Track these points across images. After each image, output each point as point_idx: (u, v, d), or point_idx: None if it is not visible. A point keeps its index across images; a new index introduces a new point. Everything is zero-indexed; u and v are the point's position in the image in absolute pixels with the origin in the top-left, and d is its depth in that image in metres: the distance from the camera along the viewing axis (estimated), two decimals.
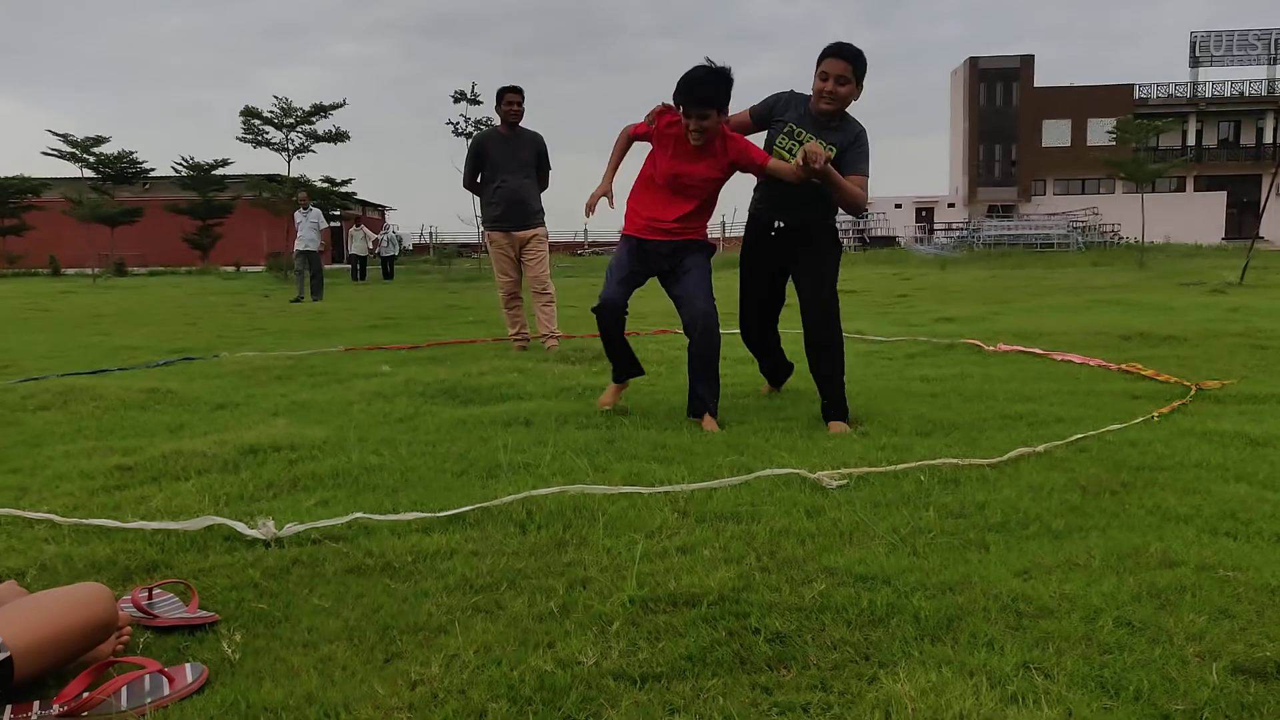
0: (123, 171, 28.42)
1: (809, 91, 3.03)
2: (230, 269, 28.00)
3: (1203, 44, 40.24)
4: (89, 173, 27.78)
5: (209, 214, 30.39)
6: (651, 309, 9.23)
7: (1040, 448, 2.49)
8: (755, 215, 3.28)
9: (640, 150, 3.22)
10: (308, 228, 12.83)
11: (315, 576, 1.68)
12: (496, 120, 5.44)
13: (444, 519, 1.96)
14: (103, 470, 2.47)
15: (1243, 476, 2.24)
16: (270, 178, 27.54)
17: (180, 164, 29.78)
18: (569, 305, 9.87)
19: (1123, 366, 4.10)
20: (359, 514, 1.96)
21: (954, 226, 34.63)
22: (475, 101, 20.90)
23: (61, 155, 26.89)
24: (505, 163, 5.30)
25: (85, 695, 1.20)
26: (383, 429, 3.03)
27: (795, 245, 3.17)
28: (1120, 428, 2.77)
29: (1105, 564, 1.65)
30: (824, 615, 1.44)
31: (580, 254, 35.67)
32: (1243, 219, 39.16)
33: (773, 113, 3.11)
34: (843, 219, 35.64)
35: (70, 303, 12.36)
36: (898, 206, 41.72)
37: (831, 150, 2.91)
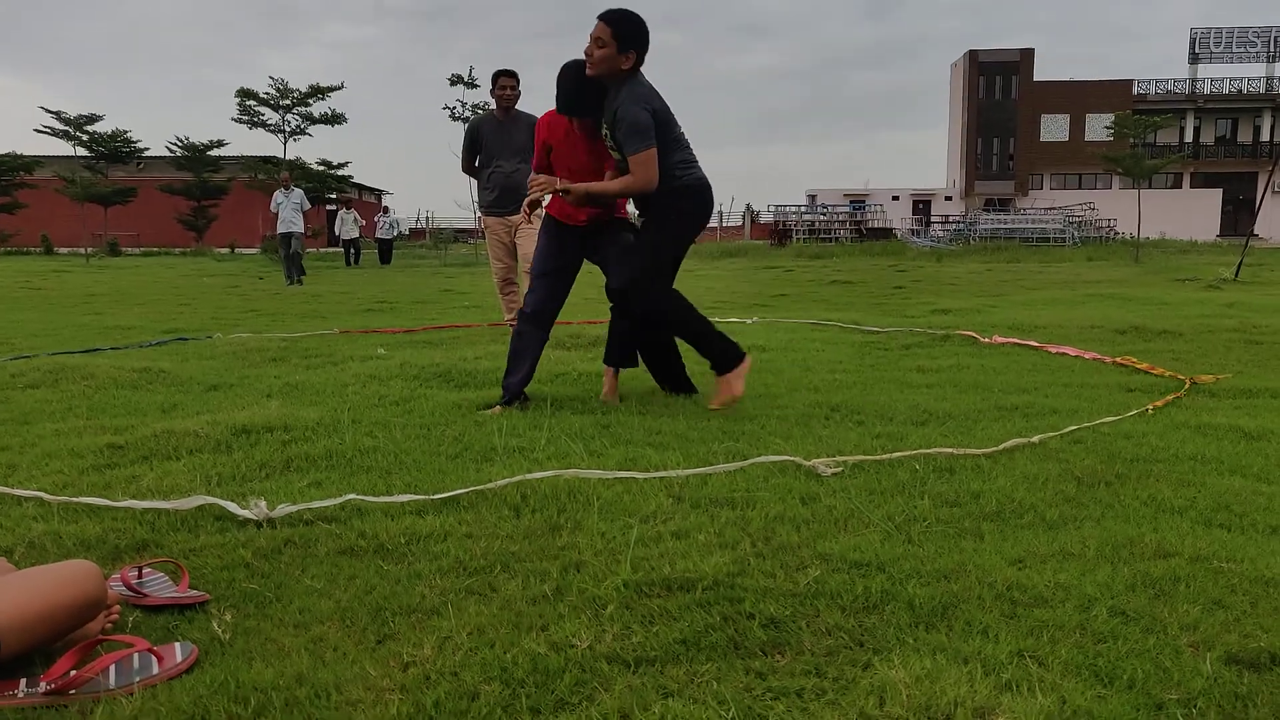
0: (117, 151, 28.18)
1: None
2: (225, 251, 27.84)
3: (1202, 40, 40.21)
4: (82, 151, 27.52)
5: (204, 195, 30.17)
6: None
7: (1035, 438, 2.49)
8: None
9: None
10: (289, 209, 12.30)
11: (307, 557, 1.67)
12: (494, 104, 5.39)
13: (438, 501, 1.95)
14: (93, 449, 2.45)
15: (1237, 469, 2.24)
16: (266, 159, 27.35)
17: (175, 144, 29.53)
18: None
19: (1118, 360, 4.10)
20: (352, 495, 1.95)
21: (951, 219, 34.61)
22: (472, 85, 20.72)
23: (55, 133, 26.63)
24: (499, 147, 5.25)
25: (72, 673, 1.19)
26: (377, 411, 3.02)
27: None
28: (1115, 420, 2.78)
29: (1100, 554, 1.65)
30: (818, 601, 1.44)
31: None
32: (1238, 216, 39.28)
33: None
34: (838, 209, 35.58)
35: (63, 282, 12.27)
36: (895, 199, 41.70)
37: (606, 134, 2.88)
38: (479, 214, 5.64)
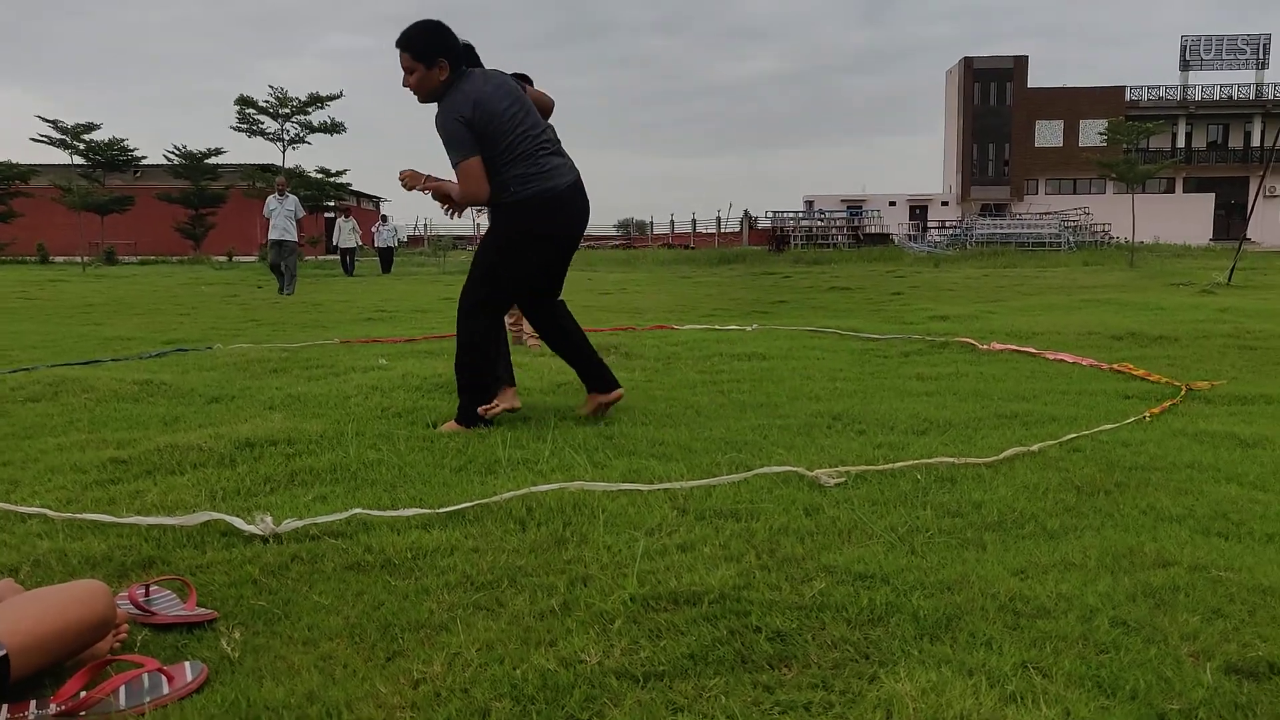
0: (114, 159, 28.20)
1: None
2: (223, 259, 27.81)
3: (1193, 48, 40.52)
4: (79, 160, 27.53)
5: (202, 203, 30.19)
6: (650, 304, 9.23)
7: (1035, 447, 2.51)
8: None
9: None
10: (282, 216, 11.68)
11: (315, 573, 1.68)
12: None
13: (443, 515, 1.96)
14: (96, 464, 2.45)
15: (1233, 477, 2.26)
16: (264, 168, 27.39)
17: (173, 152, 29.56)
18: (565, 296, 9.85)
19: (1114, 366, 4.13)
20: (358, 510, 1.95)
21: (947, 225, 34.74)
22: None
23: (51, 142, 26.66)
24: None
25: (83, 694, 1.19)
26: (380, 423, 3.02)
27: None
28: (1113, 428, 2.80)
29: (1100, 564, 1.66)
30: (824, 614, 1.45)
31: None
32: (1230, 220, 39.48)
33: None
34: (835, 215, 35.63)
35: (60, 291, 12.24)
36: (892, 204, 41.84)
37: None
38: (476, 220, 5.63)
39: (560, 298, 3.12)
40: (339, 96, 25.17)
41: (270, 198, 11.92)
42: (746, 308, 8.65)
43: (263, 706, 1.19)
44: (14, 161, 29.50)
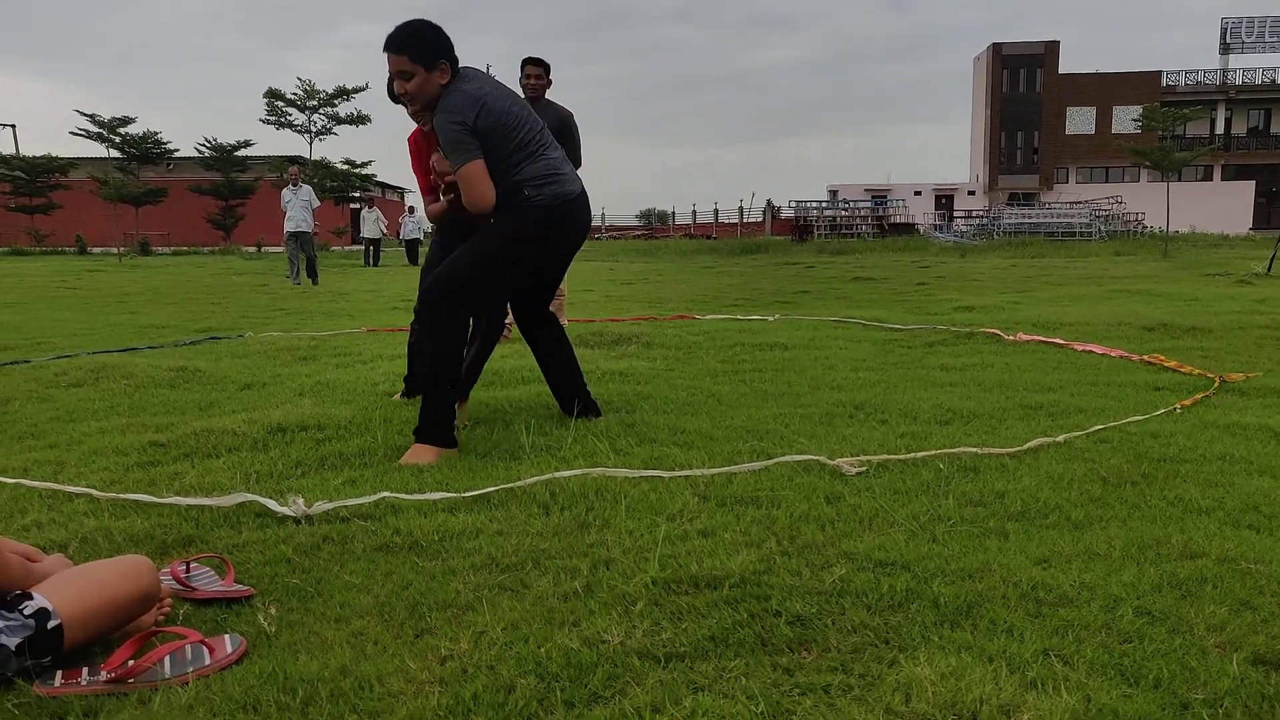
0: (148, 152, 28.78)
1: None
2: (252, 249, 28.28)
3: (1234, 30, 39.31)
4: (115, 153, 28.12)
5: (232, 194, 30.71)
6: (672, 295, 9.24)
7: (1060, 438, 2.49)
8: None
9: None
10: (298, 206, 11.41)
11: (345, 553, 1.72)
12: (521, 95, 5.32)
13: (469, 499, 2.00)
14: (136, 446, 2.54)
15: (1266, 470, 2.23)
16: (292, 159, 27.76)
17: (204, 145, 30.07)
18: (585, 290, 9.90)
19: (1145, 358, 4.06)
20: (386, 493, 2.00)
21: (974, 214, 34.21)
22: None
23: (89, 135, 27.27)
24: None
25: (130, 663, 1.25)
26: (407, 410, 3.07)
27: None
28: (1142, 419, 2.76)
29: (1126, 554, 1.65)
30: (844, 599, 1.47)
31: (596, 238, 35.54)
32: (1271, 209, 38.38)
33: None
34: (859, 204, 35.24)
35: (97, 281, 12.54)
36: (917, 194, 41.26)
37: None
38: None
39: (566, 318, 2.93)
40: (365, 89, 25.43)
41: (285, 189, 11.74)
42: (769, 298, 8.61)
43: (298, 679, 1.24)
44: (54, 155, 30.23)
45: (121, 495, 2.04)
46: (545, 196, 2.52)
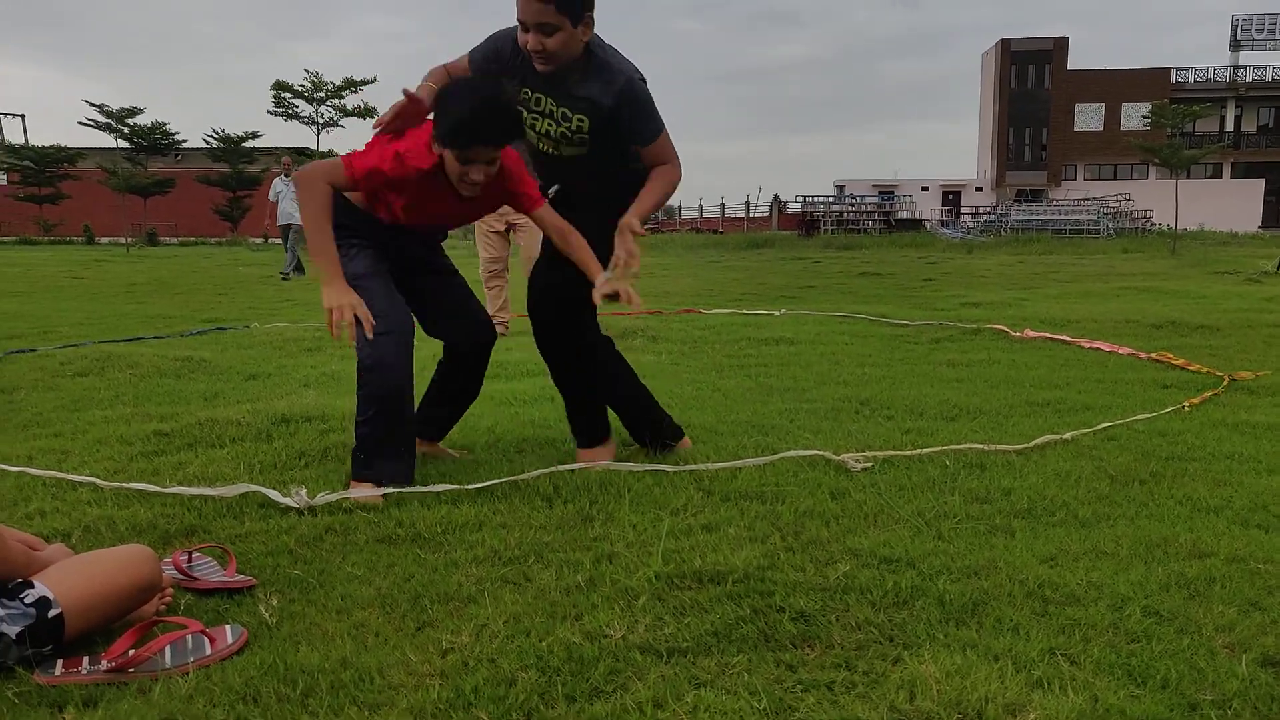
0: (156, 143, 28.84)
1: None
2: (258, 240, 28.32)
3: (1244, 27, 38.98)
4: (123, 143, 28.19)
5: (239, 185, 30.76)
6: (678, 289, 9.22)
7: (1067, 435, 2.47)
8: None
9: None
10: (289, 199, 10.79)
11: (348, 545, 1.72)
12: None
13: (472, 491, 1.99)
14: (141, 436, 2.54)
15: (1275, 469, 2.21)
16: (300, 151, 27.77)
17: (211, 136, 30.13)
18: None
19: (1153, 356, 4.03)
20: (388, 485, 2.00)
21: (981, 210, 34.04)
22: None
23: (97, 125, 27.32)
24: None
25: (131, 652, 1.24)
26: None
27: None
28: (1150, 417, 2.74)
29: (1133, 553, 1.64)
30: (848, 596, 1.45)
31: None
32: None
33: (495, 62, 2.13)
34: (866, 200, 35.12)
35: (105, 271, 12.58)
36: (924, 189, 41.09)
37: (582, 123, 2.09)
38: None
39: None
40: (373, 81, 25.42)
41: (276, 180, 11.23)
42: (775, 293, 8.58)
43: (299, 670, 1.23)
44: (63, 145, 30.30)
45: (125, 484, 2.04)
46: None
